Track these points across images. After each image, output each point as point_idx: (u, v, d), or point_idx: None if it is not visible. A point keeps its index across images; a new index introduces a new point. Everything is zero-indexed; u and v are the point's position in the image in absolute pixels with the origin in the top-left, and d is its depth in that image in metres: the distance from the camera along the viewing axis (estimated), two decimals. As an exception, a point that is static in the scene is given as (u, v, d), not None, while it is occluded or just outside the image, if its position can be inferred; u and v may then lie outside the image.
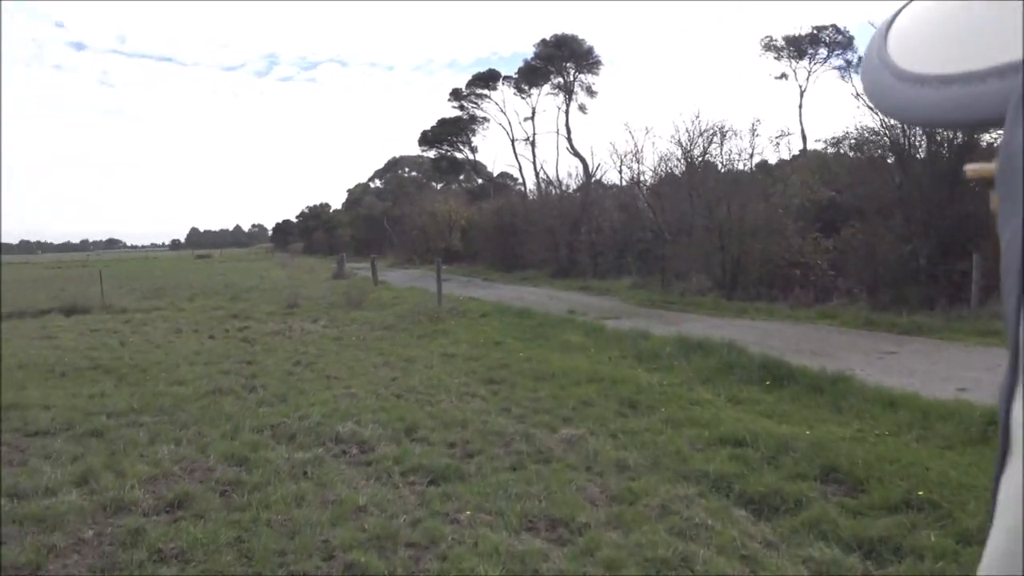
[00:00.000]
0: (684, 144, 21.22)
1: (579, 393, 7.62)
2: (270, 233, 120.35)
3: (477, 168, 34.41)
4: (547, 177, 30.63)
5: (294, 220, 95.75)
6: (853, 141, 18.95)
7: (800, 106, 36.67)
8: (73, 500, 4.82)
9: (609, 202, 28.05)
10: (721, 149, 19.82)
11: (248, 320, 15.06)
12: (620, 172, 36.53)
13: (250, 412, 7.09)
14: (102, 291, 18.72)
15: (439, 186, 54.67)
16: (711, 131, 20.47)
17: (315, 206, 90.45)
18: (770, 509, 4.65)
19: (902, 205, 15.48)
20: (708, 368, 8.60)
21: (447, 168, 35.81)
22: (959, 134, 14.26)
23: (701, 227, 19.29)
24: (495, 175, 37.77)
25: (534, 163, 29.92)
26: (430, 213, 41.43)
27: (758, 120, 21.86)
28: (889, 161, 16.96)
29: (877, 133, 17.10)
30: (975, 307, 12.64)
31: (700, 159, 21.27)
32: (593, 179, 27.19)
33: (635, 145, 24.93)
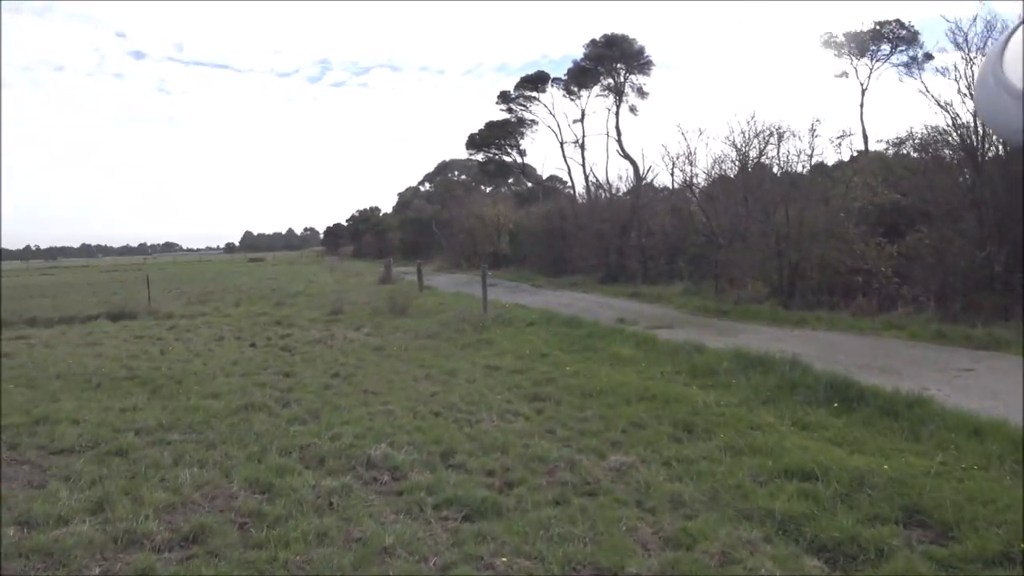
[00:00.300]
0: (739, 145, 20.50)
1: (629, 413, 7.11)
2: (321, 236, 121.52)
3: (526, 171, 33.95)
4: (596, 180, 30.08)
5: (344, 224, 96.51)
6: (918, 141, 18.06)
7: (861, 105, 35.43)
8: (84, 531, 4.49)
9: (660, 206, 27.38)
10: (778, 150, 19.03)
11: (291, 327, 14.85)
12: (672, 175, 35.93)
13: (280, 431, 6.75)
14: (149, 296, 18.78)
15: (488, 190, 54.42)
16: (767, 132, 19.71)
17: (365, 210, 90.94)
18: (847, 558, 4.11)
19: (974, 208, 14.59)
20: (769, 387, 7.99)
21: (495, 171, 35.39)
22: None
23: (757, 231, 18.55)
24: (544, 178, 37.35)
25: (583, 166, 29.37)
26: (477, 216, 41.15)
27: (817, 120, 20.91)
28: (957, 162, 16.03)
29: (945, 132, 16.21)
30: (1058, 319, 11.77)
31: (755, 160, 20.53)
32: (644, 182, 26.55)
33: (688, 147, 24.19)
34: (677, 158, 23.22)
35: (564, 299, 20.02)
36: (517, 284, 26.60)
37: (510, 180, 56.70)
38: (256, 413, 7.43)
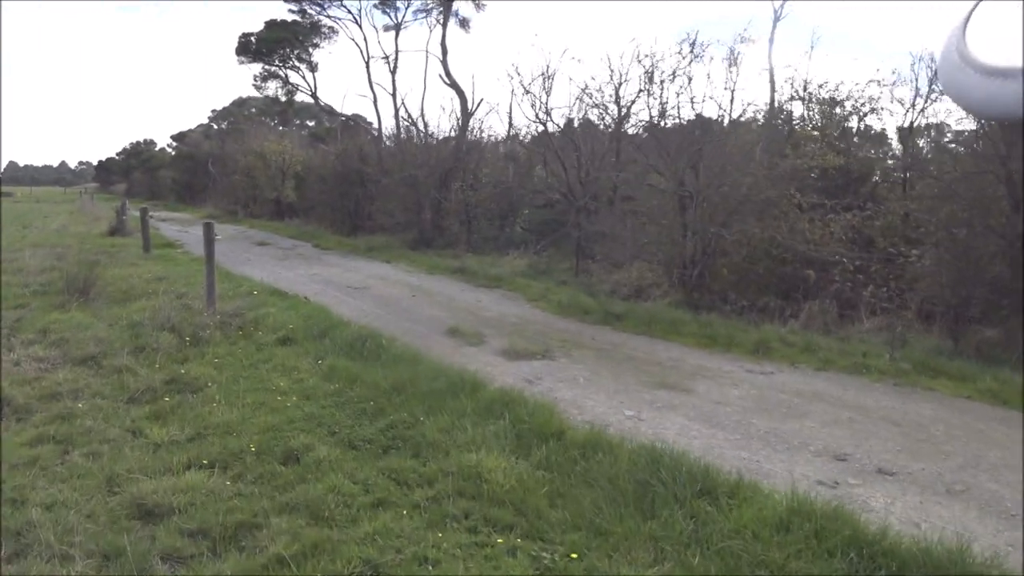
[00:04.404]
0: (616, 75, 14.40)
1: None
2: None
3: (318, 99, 26.24)
4: (410, 116, 23.15)
5: (117, 158, 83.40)
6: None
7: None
8: None
9: (492, 151, 20.96)
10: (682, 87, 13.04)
11: None
12: (510, 113, 29.32)
13: None
14: None
15: (281, 128, 45.44)
16: (655, 61, 13.69)
17: (138, 143, 78.36)
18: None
19: (1010, 188, 9.30)
20: None
21: (278, 95, 27.29)
22: None
23: (651, 194, 12.61)
24: (346, 117, 29.71)
25: (394, 97, 22.34)
26: (258, 154, 32.74)
27: (742, 39, 14.83)
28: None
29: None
30: None
31: (637, 97, 14.54)
32: (472, 117, 19.99)
33: (546, 68, 17.63)
34: (529, 84, 16.73)
35: (357, 277, 13.07)
36: (296, 245, 19.20)
37: (311, 123, 48.13)
38: None
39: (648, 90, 13.23)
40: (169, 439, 4.70)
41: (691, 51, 12.26)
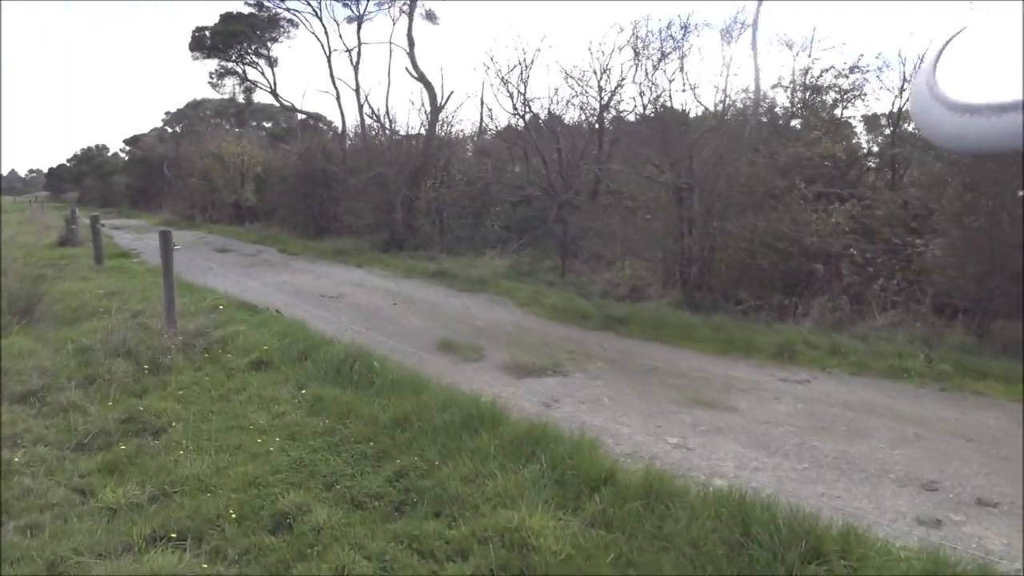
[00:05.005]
0: (599, 56, 13.62)
1: None
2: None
3: (278, 97, 25.06)
4: (374, 111, 22.08)
5: (68, 164, 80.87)
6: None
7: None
8: None
9: (461, 146, 20.09)
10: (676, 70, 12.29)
11: None
12: (481, 106, 28.35)
13: None
14: None
15: (237, 130, 43.87)
16: (644, 41, 12.94)
17: (90, 148, 75.96)
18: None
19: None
20: None
21: (235, 93, 25.99)
22: None
23: (644, 186, 11.85)
24: (307, 114, 28.48)
25: (358, 92, 21.23)
26: (215, 155, 31.39)
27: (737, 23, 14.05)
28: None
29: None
30: None
31: (620, 84, 13.78)
32: (442, 111, 19.04)
33: (523, 57, 16.67)
34: (506, 74, 15.85)
35: (330, 285, 12.12)
36: (260, 250, 18.12)
37: (268, 125, 46.79)
38: None
39: (636, 73, 12.45)
40: (127, 501, 3.79)
41: (683, 32, 11.49)
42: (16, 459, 4.35)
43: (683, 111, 11.89)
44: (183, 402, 5.41)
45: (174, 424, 4.90)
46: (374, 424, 4.65)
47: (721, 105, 12.56)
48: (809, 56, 13.30)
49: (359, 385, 5.47)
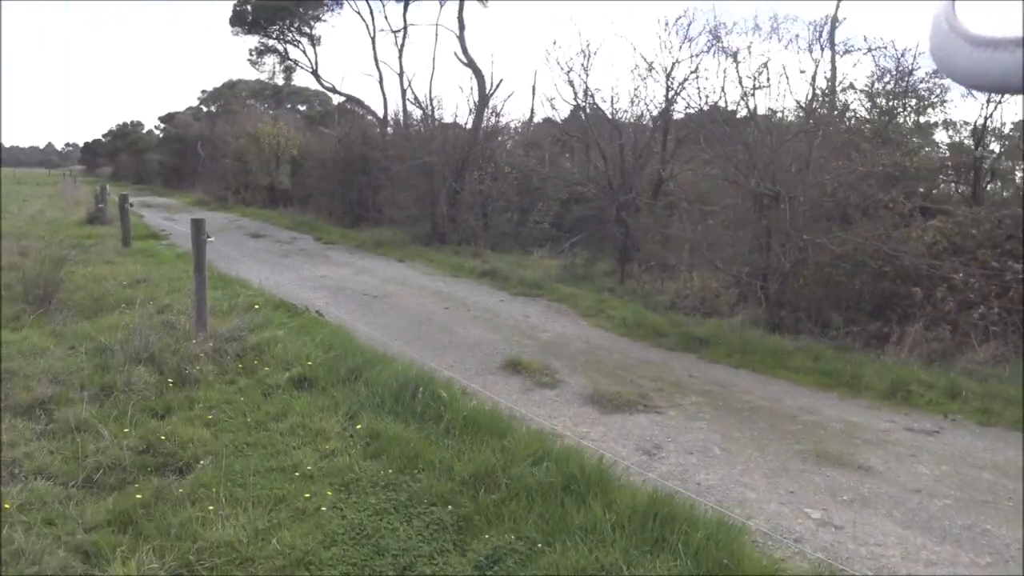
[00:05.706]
0: (669, 50, 12.61)
1: None
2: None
3: (319, 78, 24.25)
4: (417, 98, 21.22)
5: (103, 140, 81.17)
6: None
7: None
8: None
9: (511, 138, 19.15)
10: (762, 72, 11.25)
11: None
12: (534, 92, 27.37)
13: None
14: None
15: (272, 112, 43.26)
16: (714, 32, 11.90)
17: (124, 124, 76.06)
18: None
19: None
20: None
21: (275, 72, 25.24)
22: None
23: (721, 192, 10.85)
24: (346, 96, 27.67)
25: (401, 76, 20.33)
26: (251, 136, 30.70)
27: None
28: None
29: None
30: None
31: (690, 76, 12.74)
32: (491, 99, 18.11)
33: (585, 47, 15.51)
34: (569, 61, 14.85)
35: (373, 282, 11.25)
36: (295, 237, 17.33)
37: (303, 107, 46.20)
38: None
39: (715, 67, 11.45)
40: (142, 577, 2.92)
41: (772, 28, 10.45)
42: (8, 504, 3.50)
43: (769, 111, 10.82)
44: (213, 428, 4.55)
45: (201, 461, 4.04)
46: (450, 478, 3.75)
47: (804, 108, 11.48)
48: (895, 58, 12.22)
49: (425, 419, 4.57)
